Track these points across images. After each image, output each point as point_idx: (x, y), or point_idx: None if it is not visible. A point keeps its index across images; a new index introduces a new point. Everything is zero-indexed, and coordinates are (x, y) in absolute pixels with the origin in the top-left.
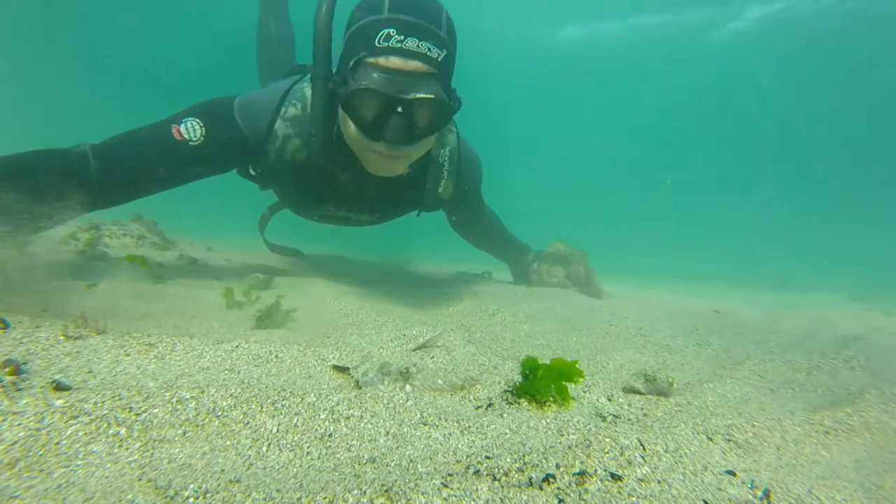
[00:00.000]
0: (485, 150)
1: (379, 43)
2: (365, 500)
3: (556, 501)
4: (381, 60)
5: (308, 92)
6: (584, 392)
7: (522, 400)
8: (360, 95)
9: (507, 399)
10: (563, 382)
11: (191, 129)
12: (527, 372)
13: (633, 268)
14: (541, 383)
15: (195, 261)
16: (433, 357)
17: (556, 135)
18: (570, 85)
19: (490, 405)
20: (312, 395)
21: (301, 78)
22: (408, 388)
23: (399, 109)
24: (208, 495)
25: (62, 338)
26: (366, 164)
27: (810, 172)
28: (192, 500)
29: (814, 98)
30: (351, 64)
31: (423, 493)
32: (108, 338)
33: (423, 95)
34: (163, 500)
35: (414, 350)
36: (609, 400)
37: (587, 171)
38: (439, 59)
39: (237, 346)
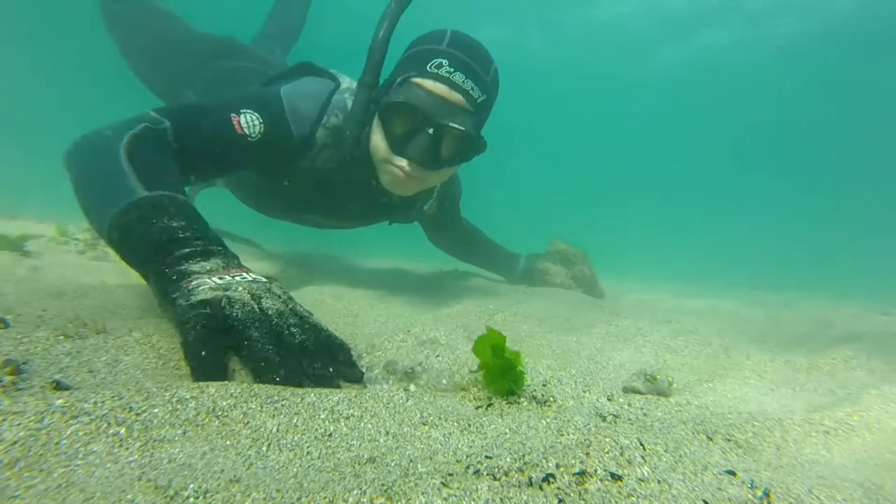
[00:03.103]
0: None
1: (430, 68)
2: (365, 500)
3: (556, 501)
4: (428, 83)
5: (350, 103)
6: (584, 392)
7: (522, 399)
8: (399, 107)
9: (506, 399)
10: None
11: (251, 124)
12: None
13: (633, 268)
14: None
15: None
16: (438, 356)
17: (554, 134)
18: (569, 84)
19: (490, 405)
20: (312, 394)
21: (337, 87)
22: (412, 387)
23: (430, 131)
24: (208, 495)
25: (62, 338)
26: (381, 177)
27: (808, 173)
28: (192, 499)
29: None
30: (398, 80)
31: (423, 493)
32: (108, 338)
33: (457, 126)
34: (163, 500)
35: (419, 345)
36: (609, 400)
37: (587, 171)
38: (479, 101)
39: None
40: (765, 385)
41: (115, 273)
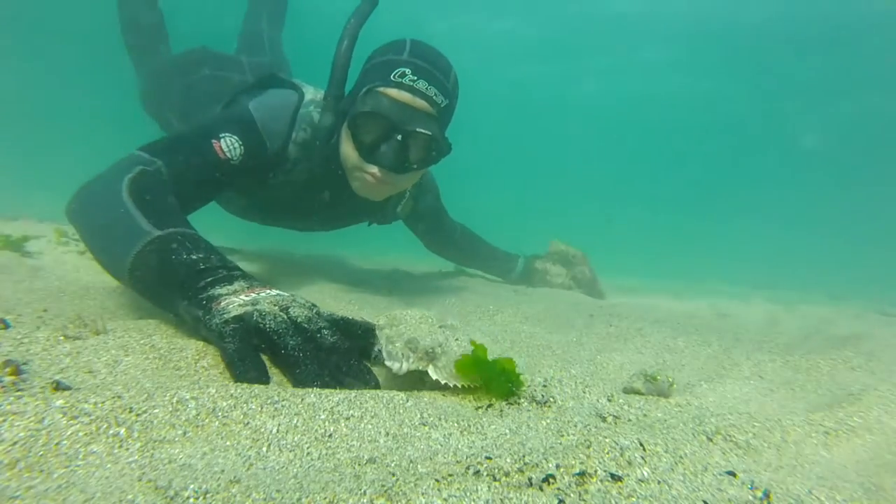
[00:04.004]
0: (484, 151)
1: (394, 77)
2: (365, 501)
3: (556, 502)
4: (392, 92)
5: (316, 118)
6: (584, 392)
7: (522, 400)
8: (367, 117)
9: (506, 399)
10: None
11: (232, 147)
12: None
13: (634, 268)
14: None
15: None
16: (457, 340)
17: (553, 134)
18: (567, 83)
19: (490, 405)
20: (312, 395)
21: (301, 99)
22: (430, 369)
23: (398, 137)
24: (208, 495)
25: (62, 338)
26: (352, 184)
27: (808, 172)
28: (192, 500)
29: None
30: (363, 91)
31: (423, 494)
32: (109, 338)
33: (423, 130)
34: (163, 501)
35: (440, 327)
36: (609, 400)
37: (586, 171)
38: (442, 105)
39: None
40: (765, 385)
41: None
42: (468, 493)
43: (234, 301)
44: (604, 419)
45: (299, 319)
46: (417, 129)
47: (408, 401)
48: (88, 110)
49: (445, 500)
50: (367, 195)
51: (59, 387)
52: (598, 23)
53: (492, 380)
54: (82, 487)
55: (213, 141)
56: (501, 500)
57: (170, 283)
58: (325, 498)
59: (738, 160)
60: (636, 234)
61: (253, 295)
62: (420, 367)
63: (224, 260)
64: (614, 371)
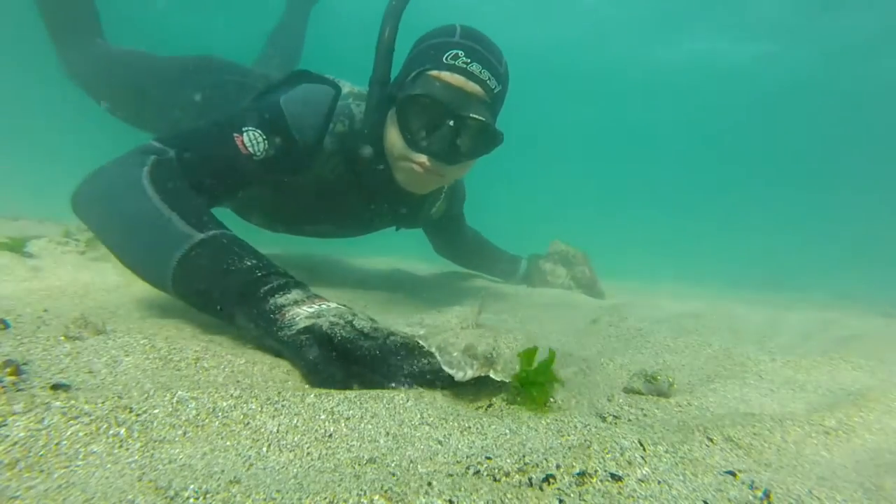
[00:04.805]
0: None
1: (446, 60)
2: (365, 501)
3: (556, 502)
4: (445, 75)
5: (355, 110)
6: (584, 392)
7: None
8: (416, 101)
9: (506, 399)
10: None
11: (255, 142)
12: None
13: (634, 268)
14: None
15: None
16: (506, 342)
17: (553, 133)
18: (566, 84)
19: (490, 405)
20: (312, 395)
21: (339, 93)
22: (491, 373)
23: (450, 123)
24: (209, 496)
25: (62, 338)
26: (397, 175)
27: (810, 172)
28: (192, 500)
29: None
30: (413, 74)
31: (423, 494)
32: (109, 338)
33: (478, 116)
34: (163, 501)
35: (476, 327)
36: (609, 400)
37: (586, 171)
38: (495, 91)
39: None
40: (765, 385)
41: (115, 273)
42: (468, 493)
43: (300, 312)
44: (604, 419)
45: (365, 329)
46: (471, 115)
47: (408, 401)
48: (88, 110)
49: (446, 500)
50: (412, 188)
51: (59, 387)
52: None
53: (537, 385)
54: (82, 487)
55: (235, 135)
56: (501, 500)
57: (225, 291)
58: (325, 498)
59: (749, 159)
60: (638, 234)
61: (316, 307)
62: (482, 374)
63: (272, 265)
64: (614, 371)
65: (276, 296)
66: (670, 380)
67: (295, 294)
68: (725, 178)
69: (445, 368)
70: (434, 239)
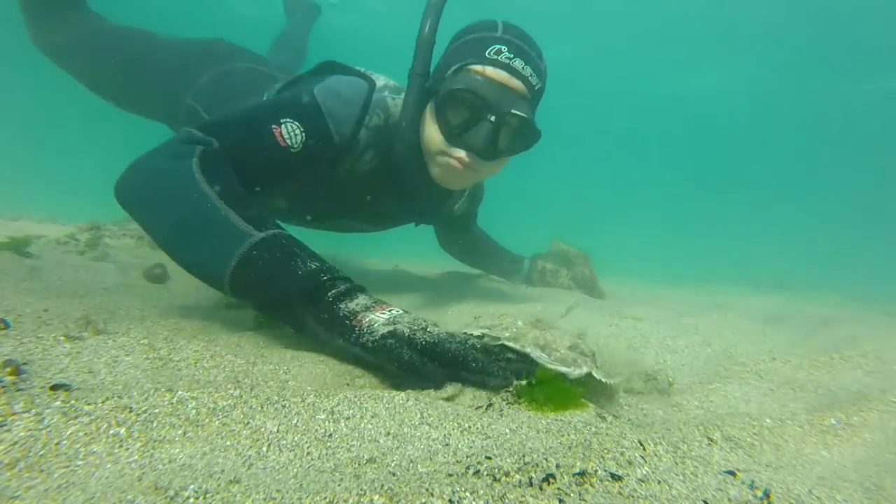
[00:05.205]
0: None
1: (489, 55)
2: (365, 501)
3: (556, 502)
4: (488, 70)
5: (390, 103)
6: (584, 392)
7: (522, 400)
8: (458, 96)
9: (507, 399)
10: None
11: (293, 134)
12: (533, 381)
13: (634, 268)
14: (539, 392)
15: None
16: (586, 343)
17: (560, 132)
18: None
19: (490, 405)
20: (312, 395)
21: (373, 86)
22: (594, 372)
23: (491, 119)
24: (209, 495)
25: (62, 338)
26: (432, 170)
27: (812, 171)
28: (192, 500)
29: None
30: (454, 68)
31: (423, 494)
32: (108, 338)
33: (519, 113)
34: (163, 501)
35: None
36: (609, 400)
37: (586, 170)
38: (536, 88)
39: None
40: (765, 385)
41: (115, 273)
42: (468, 493)
43: (376, 319)
44: (604, 419)
45: (441, 335)
46: (513, 112)
47: (408, 401)
48: (90, 110)
49: (446, 500)
50: (448, 183)
51: (58, 387)
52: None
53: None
54: (82, 487)
55: (274, 126)
56: (502, 499)
57: (289, 293)
58: (325, 498)
59: (761, 154)
60: (640, 234)
61: (387, 313)
62: (593, 372)
63: (334, 268)
64: (615, 370)
65: (345, 301)
66: (670, 379)
67: (362, 300)
68: (727, 175)
69: (556, 366)
70: (443, 233)
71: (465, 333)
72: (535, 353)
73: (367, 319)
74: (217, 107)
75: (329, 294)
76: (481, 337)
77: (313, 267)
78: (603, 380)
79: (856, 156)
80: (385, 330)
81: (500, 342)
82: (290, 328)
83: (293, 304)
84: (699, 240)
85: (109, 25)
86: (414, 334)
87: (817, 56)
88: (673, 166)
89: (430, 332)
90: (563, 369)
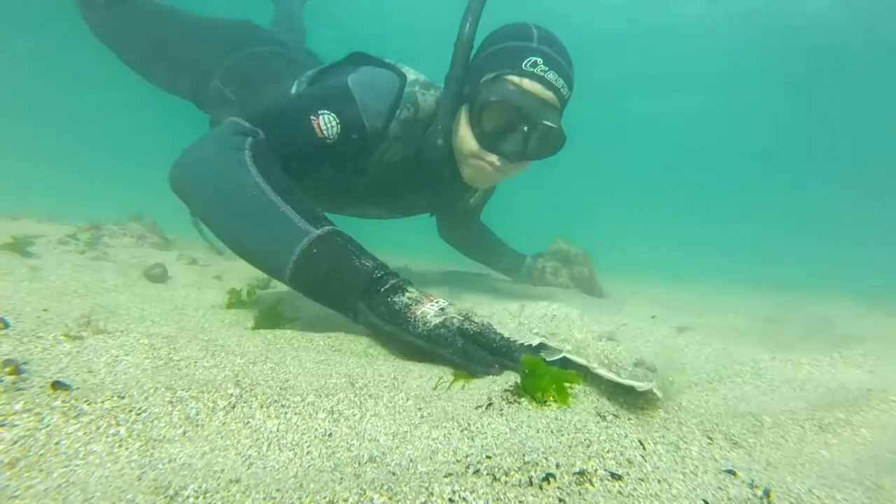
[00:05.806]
0: None
1: (525, 67)
2: (365, 500)
3: (556, 501)
4: (525, 82)
5: (420, 98)
6: (584, 391)
7: (522, 399)
8: (496, 106)
9: (506, 398)
10: (563, 384)
11: (329, 126)
12: (527, 371)
13: (634, 267)
14: (540, 382)
15: (195, 261)
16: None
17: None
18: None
19: (490, 404)
20: (312, 394)
21: (404, 80)
22: (654, 389)
23: (525, 129)
24: (208, 495)
25: (62, 338)
26: (463, 170)
27: (812, 170)
28: (192, 499)
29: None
30: (491, 76)
31: (423, 493)
32: (108, 338)
33: (550, 124)
34: (163, 500)
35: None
36: (609, 399)
37: (588, 169)
38: (566, 98)
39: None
40: (765, 384)
41: (115, 273)
42: (468, 493)
43: (428, 311)
44: (604, 418)
45: (485, 323)
46: (545, 122)
47: (408, 400)
48: (90, 110)
49: (446, 499)
50: (477, 183)
51: (58, 386)
52: None
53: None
54: (82, 487)
55: (312, 118)
56: (501, 499)
57: (347, 287)
58: (325, 497)
59: (761, 154)
60: (643, 234)
61: (437, 305)
62: (653, 389)
63: (385, 265)
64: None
65: (398, 294)
66: (670, 379)
67: (413, 293)
68: (727, 174)
69: (629, 382)
70: (445, 222)
71: (521, 344)
72: (600, 371)
73: (419, 311)
74: (243, 91)
75: (382, 289)
76: (573, 352)
77: (368, 265)
78: (659, 395)
79: (856, 155)
80: (437, 320)
81: (560, 355)
82: (346, 317)
83: (348, 298)
84: (699, 240)
85: (150, 2)
86: (462, 324)
87: (819, 56)
88: (673, 166)
89: (475, 322)
90: (634, 383)
